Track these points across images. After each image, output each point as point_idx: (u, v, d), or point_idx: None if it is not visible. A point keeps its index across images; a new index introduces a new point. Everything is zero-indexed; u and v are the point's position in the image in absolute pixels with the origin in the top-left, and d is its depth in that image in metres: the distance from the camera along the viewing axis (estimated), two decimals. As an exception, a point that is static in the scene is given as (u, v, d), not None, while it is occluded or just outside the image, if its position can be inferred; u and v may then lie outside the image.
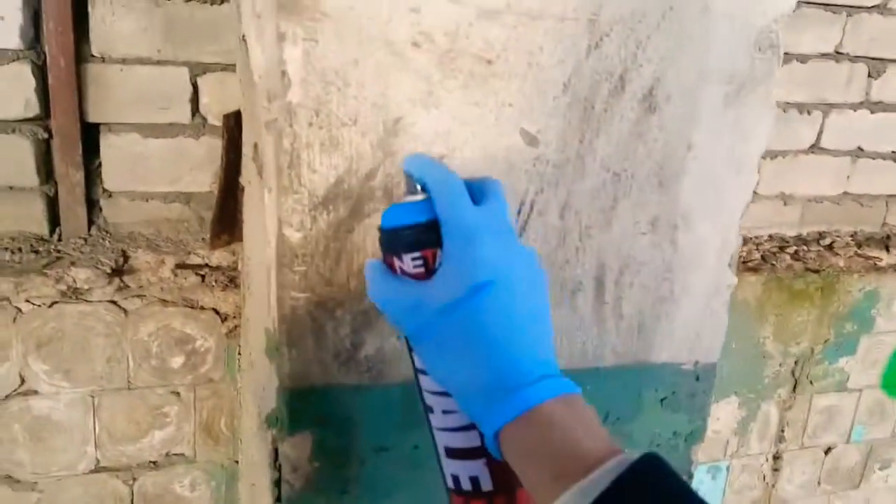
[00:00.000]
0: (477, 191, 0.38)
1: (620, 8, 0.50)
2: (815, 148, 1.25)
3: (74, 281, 0.91)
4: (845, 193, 1.31)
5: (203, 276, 0.98)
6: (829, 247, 1.27)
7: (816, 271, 1.22)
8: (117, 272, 0.93)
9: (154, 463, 1.02)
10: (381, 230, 0.39)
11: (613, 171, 0.54)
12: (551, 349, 0.37)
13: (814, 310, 1.25)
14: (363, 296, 0.52)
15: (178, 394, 1.00)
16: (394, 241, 0.38)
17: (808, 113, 1.22)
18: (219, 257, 0.97)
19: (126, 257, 0.94)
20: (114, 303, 0.94)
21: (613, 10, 0.50)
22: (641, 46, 0.52)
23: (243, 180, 0.91)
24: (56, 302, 0.92)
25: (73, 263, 0.91)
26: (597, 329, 0.58)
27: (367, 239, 0.51)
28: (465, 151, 0.51)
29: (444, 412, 0.39)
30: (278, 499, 0.56)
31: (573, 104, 0.52)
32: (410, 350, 0.40)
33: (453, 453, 0.39)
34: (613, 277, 0.57)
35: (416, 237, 0.37)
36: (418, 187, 0.38)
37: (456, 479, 0.39)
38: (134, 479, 1.02)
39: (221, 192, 0.92)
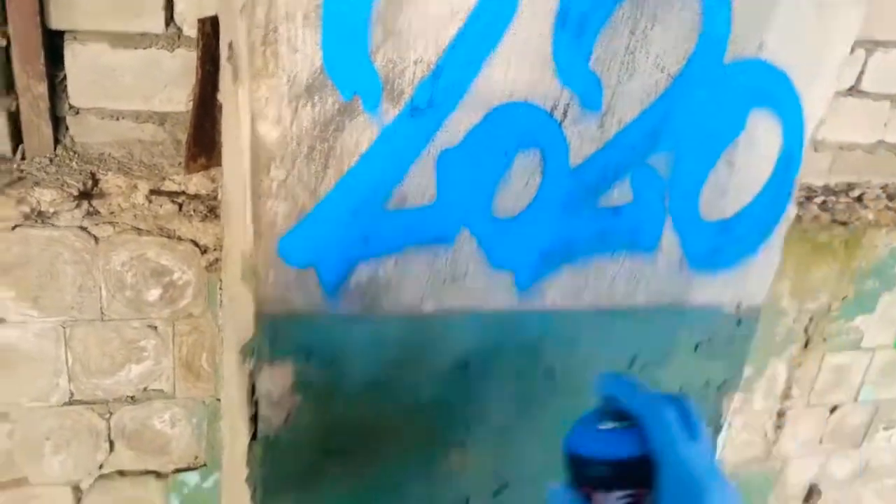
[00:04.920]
0: (678, 414, 0.36)
1: None
2: (854, 90, 1.15)
3: (38, 203, 0.83)
4: (880, 142, 1.21)
5: (180, 205, 0.90)
6: (859, 199, 1.19)
7: (844, 223, 1.14)
8: (85, 195, 0.84)
9: (132, 398, 0.97)
10: (581, 458, 0.37)
11: (669, 71, 0.44)
12: None
13: (836, 264, 1.18)
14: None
15: (155, 328, 0.94)
16: (599, 474, 0.36)
17: (852, 51, 1.10)
18: (197, 185, 0.89)
19: (95, 180, 0.85)
20: (83, 229, 0.87)
21: None
22: None
23: (221, 96, 0.81)
24: (19, 225, 0.84)
25: (36, 184, 0.83)
26: (630, 262, 0.51)
27: (362, 140, 0.42)
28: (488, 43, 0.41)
29: None
30: (254, 436, 0.49)
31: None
32: None
33: None
34: (650, 200, 0.49)
35: (628, 473, 0.36)
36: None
37: None
38: (111, 414, 0.97)
39: (197, 109, 0.83)
